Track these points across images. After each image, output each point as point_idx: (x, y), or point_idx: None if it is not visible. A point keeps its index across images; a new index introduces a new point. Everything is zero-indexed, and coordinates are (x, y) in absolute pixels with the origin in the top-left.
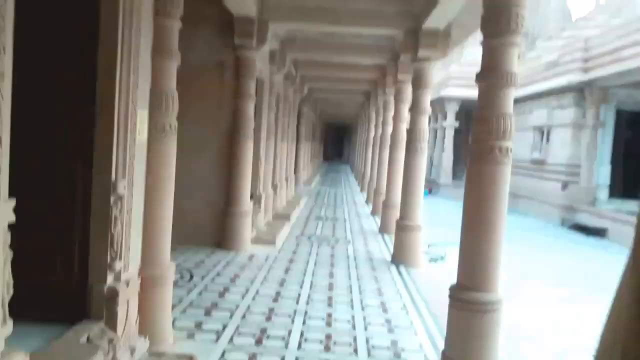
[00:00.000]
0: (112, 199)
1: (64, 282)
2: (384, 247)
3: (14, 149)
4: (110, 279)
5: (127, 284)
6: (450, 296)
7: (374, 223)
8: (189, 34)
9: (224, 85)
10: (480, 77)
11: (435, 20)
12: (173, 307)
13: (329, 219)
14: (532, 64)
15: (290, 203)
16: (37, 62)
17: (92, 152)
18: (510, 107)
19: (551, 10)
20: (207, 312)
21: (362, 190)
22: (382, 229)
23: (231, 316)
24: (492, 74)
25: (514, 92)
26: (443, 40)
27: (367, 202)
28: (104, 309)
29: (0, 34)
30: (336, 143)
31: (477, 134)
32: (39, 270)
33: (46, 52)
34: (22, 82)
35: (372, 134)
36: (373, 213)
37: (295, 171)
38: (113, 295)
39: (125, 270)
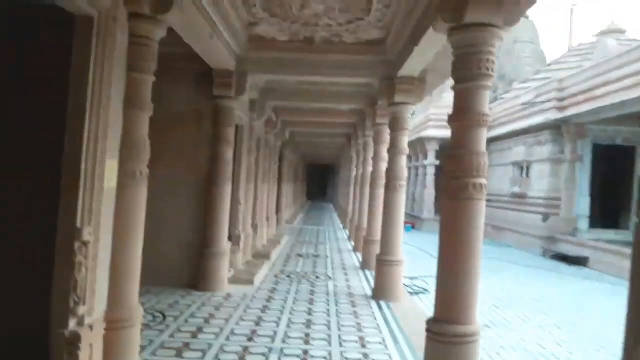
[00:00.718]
0: (76, 245)
1: (25, 328)
2: (365, 283)
3: None
4: (72, 323)
5: (91, 328)
6: (428, 329)
7: (355, 259)
8: (167, 84)
9: (201, 132)
10: (452, 119)
11: (409, 68)
12: (143, 349)
13: (311, 256)
14: (509, 104)
15: (272, 242)
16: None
17: (59, 199)
18: (483, 145)
19: (526, 54)
20: (179, 353)
21: (344, 227)
22: (364, 265)
23: (203, 356)
24: (464, 115)
25: (491, 132)
26: (419, 86)
27: (349, 238)
28: (64, 354)
29: None
30: (319, 182)
31: (451, 172)
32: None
33: (13, 99)
34: None
35: (353, 173)
36: (355, 249)
37: (278, 211)
38: (75, 340)
39: (90, 314)
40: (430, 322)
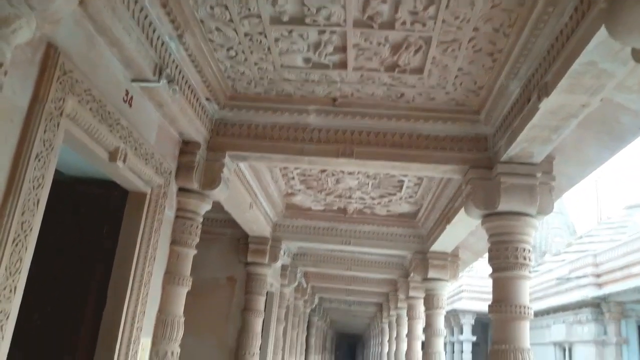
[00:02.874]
0: None
1: None
2: None
3: None
4: None
5: None
6: None
7: None
8: (203, 250)
9: (232, 300)
10: (492, 309)
11: (442, 244)
12: None
13: None
14: (544, 278)
15: None
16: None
17: None
18: (526, 340)
19: (556, 225)
20: None
21: None
22: None
23: None
24: (504, 306)
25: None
26: (452, 262)
27: None
28: None
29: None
30: (348, 354)
31: None
32: None
33: (58, 272)
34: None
35: (385, 348)
36: None
37: None
38: None
39: None
40: None
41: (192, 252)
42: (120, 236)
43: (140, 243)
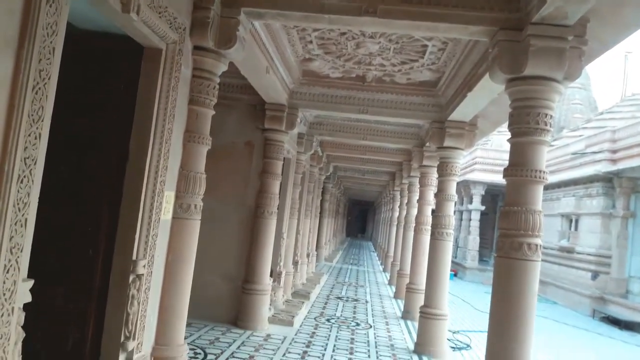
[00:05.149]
0: (131, 277)
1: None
2: (407, 335)
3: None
4: (122, 358)
5: None
6: None
7: (396, 307)
8: (220, 114)
9: (251, 164)
10: (507, 173)
11: (461, 113)
12: None
13: (350, 300)
14: (559, 152)
15: (311, 280)
16: (66, 136)
17: (116, 230)
18: (539, 203)
19: (577, 100)
20: None
21: (384, 270)
22: (406, 314)
23: None
24: (519, 170)
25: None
26: (469, 131)
27: (389, 283)
28: None
29: (39, 122)
30: (359, 219)
31: (504, 229)
32: (51, 348)
33: (76, 128)
34: (50, 160)
35: (396, 213)
36: (396, 296)
37: (317, 247)
38: None
39: (138, 350)
40: None
41: (210, 112)
42: (139, 93)
43: (159, 100)
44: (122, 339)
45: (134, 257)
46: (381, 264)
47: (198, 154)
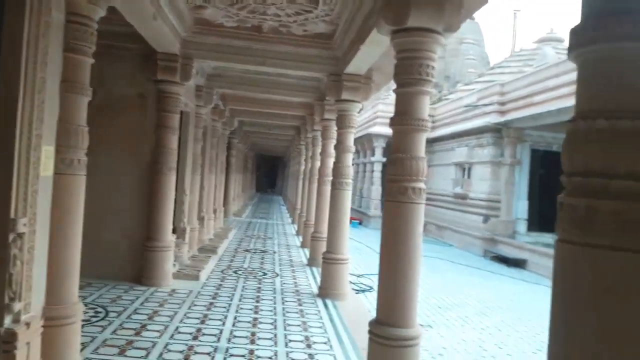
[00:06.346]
0: (10, 237)
1: None
2: (312, 280)
3: None
4: (7, 321)
5: (28, 326)
6: (370, 331)
7: (303, 255)
8: (108, 65)
9: (146, 118)
10: (393, 122)
11: (356, 66)
12: (85, 346)
13: (258, 252)
14: (453, 105)
15: (219, 235)
16: None
17: None
18: (422, 150)
19: (471, 55)
20: (122, 352)
21: (293, 222)
22: (311, 262)
23: (147, 355)
24: (404, 119)
25: (434, 132)
26: (365, 84)
27: (297, 234)
28: (0, 352)
29: None
30: (270, 174)
31: (392, 175)
32: None
33: None
34: None
35: (302, 167)
36: (303, 246)
37: (225, 203)
38: (10, 338)
39: (26, 310)
40: (373, 324)
41: (89, 60)
42: (4, 38)
43: (27, 46)
44: (7, 300)
45: (12, 216)
46: (290, 217)
47: (78, 106)
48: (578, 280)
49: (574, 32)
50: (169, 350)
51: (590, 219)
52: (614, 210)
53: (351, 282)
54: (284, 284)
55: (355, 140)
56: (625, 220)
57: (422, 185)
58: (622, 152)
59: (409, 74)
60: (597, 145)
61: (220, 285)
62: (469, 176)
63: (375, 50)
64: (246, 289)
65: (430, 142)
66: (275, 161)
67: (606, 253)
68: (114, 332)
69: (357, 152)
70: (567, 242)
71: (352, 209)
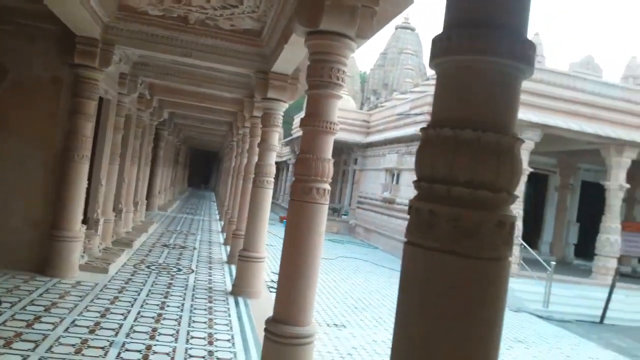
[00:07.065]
0: None
1: None
2: (227, 278)
3: None
4: None
5: None
6: (266, 329)
7: (224, 253)
8: (22, 45)
9: (59, 102)
10: (303, 122)
11: (282, 65)
12: None
13: (177, 247)
14: (387, 113)
15: (137, 229)
16: None
17: None
18: (329, 152)
19: (409, 66)
20: (8, 344)
21: (220, 219)
22: (230, 259)
23: (35, 348)
24: (313, 120)
25: (368, 137)
26: (292, 84)
27: (222, 231)
28: None
29: None
30: (204, 170)
31: (299, 175)
32: None
33: None
34: None
35: (232, 163)
36: (225, 243)
37: (149, 196)
38: None
39: None
40: (269, 322)
41: None
42: None
43: None
44: None
45: None
46: (219, 213)
47: None
48: (415, 279)
49: (434, 42)
50: (60, 344)
51: (431, 224)
52: (452, 216)
53: (272, 281)
54: (198, 280)
55: (291, 140)
56: (461, 227)
57: (326, 186)
58: (463, 161)
59: (320, 77)
60: (442, 153)
61: (130, 279)
62: (397, 182)
63: (298, 51)
64: (156, 284)
65: (364, 147)
66: (210, 156)
67: (442, 256)
68: (2, 323)
69: (292, 151)
70: (411, 244)
71: (282, 208)
